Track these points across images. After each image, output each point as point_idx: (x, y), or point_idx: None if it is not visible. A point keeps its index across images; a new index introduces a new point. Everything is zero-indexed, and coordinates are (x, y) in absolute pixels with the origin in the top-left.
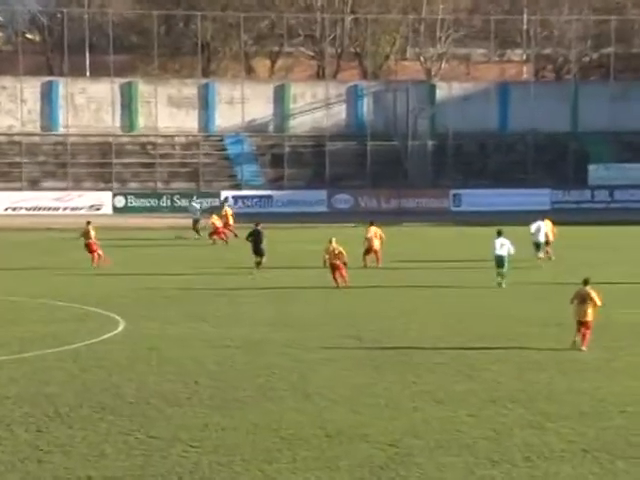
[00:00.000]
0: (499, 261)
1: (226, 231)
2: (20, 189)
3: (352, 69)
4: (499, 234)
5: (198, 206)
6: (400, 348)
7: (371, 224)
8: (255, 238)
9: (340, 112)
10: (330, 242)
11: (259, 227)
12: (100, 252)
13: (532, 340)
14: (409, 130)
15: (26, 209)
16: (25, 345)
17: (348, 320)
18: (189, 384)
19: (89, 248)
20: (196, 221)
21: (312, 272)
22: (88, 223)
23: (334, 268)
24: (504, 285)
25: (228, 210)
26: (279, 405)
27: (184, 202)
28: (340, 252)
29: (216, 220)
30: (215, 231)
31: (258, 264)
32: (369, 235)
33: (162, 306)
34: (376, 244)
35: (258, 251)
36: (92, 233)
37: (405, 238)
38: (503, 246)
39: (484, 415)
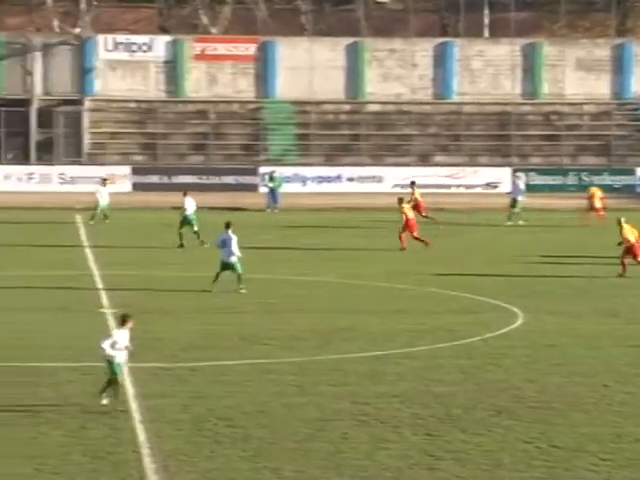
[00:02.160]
0: None
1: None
2: (409, 164)
3: None
4: None
5: (522, 181)
6: None
7: None
8: None
9: None
10: (620, 224)
11: None
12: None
13: None
14: None
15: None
16: (415, 338)
17: None
18: (597, 387)
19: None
20: (514, 200)
21: None
22: (402, 200)
23: (630, 250)
24: None
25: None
26: None
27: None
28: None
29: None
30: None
31: None
32: None
33: (566, 298)
34: None
35: None
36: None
37: None
38: None
39: None
